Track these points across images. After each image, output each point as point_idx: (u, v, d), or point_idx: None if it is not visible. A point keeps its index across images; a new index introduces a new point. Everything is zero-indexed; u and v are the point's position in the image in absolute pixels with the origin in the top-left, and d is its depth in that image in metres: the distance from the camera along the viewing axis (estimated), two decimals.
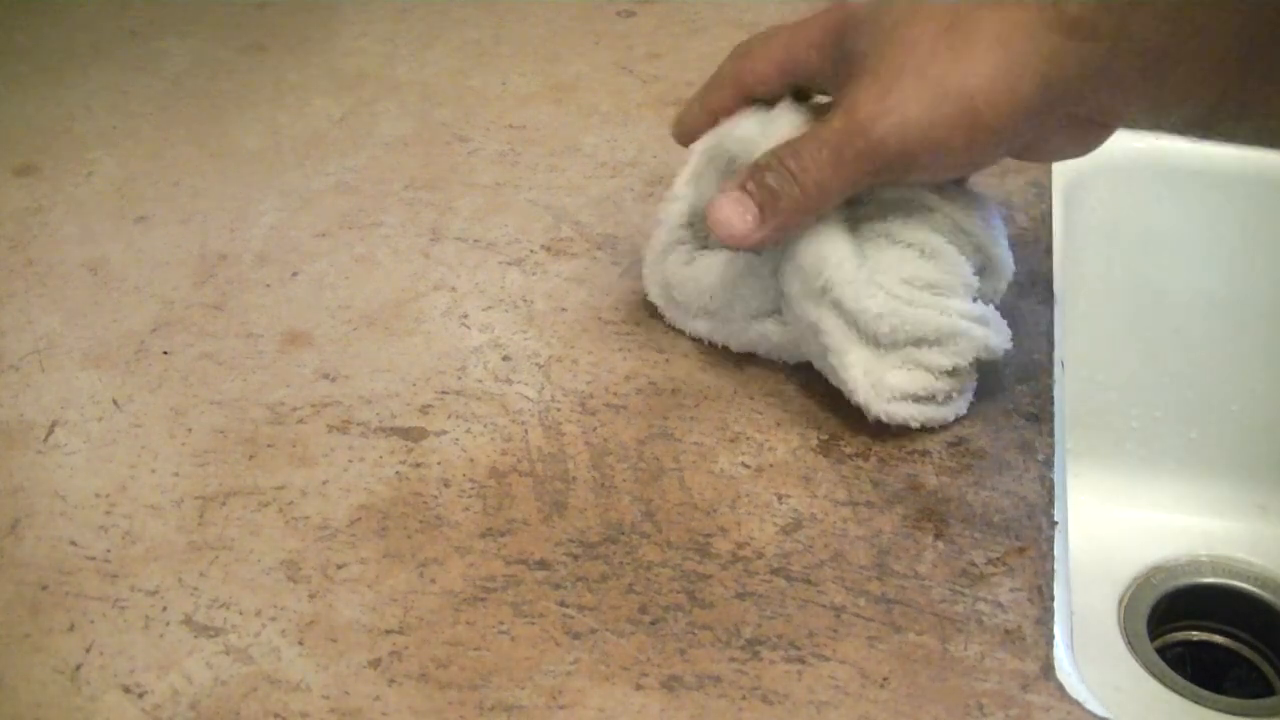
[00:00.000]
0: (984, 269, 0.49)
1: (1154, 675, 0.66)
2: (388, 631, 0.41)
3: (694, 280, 0.51)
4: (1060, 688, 0.39)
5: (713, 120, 0.50)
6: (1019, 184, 0.61)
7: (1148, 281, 0.72)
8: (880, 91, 0.43)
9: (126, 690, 0.39)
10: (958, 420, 0.48)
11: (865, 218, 0.47)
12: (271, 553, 0.44)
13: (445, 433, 0.48)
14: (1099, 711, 0.38)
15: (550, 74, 0.72)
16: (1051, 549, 0.43)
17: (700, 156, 0.50)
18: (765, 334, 0.50)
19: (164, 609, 0.42)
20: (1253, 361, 0.72)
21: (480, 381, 0.50)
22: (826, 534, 0.44)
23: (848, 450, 0.47)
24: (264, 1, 0.80)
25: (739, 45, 0.49)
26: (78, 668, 0.40)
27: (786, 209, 0.45)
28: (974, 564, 0.43)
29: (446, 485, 0.46)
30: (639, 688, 0.39)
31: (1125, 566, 0.72)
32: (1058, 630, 0.41)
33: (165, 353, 0.52)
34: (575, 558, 0.43)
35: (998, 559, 0.43)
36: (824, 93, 0.49)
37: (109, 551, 0.44)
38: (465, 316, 0.54)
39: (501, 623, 0.41)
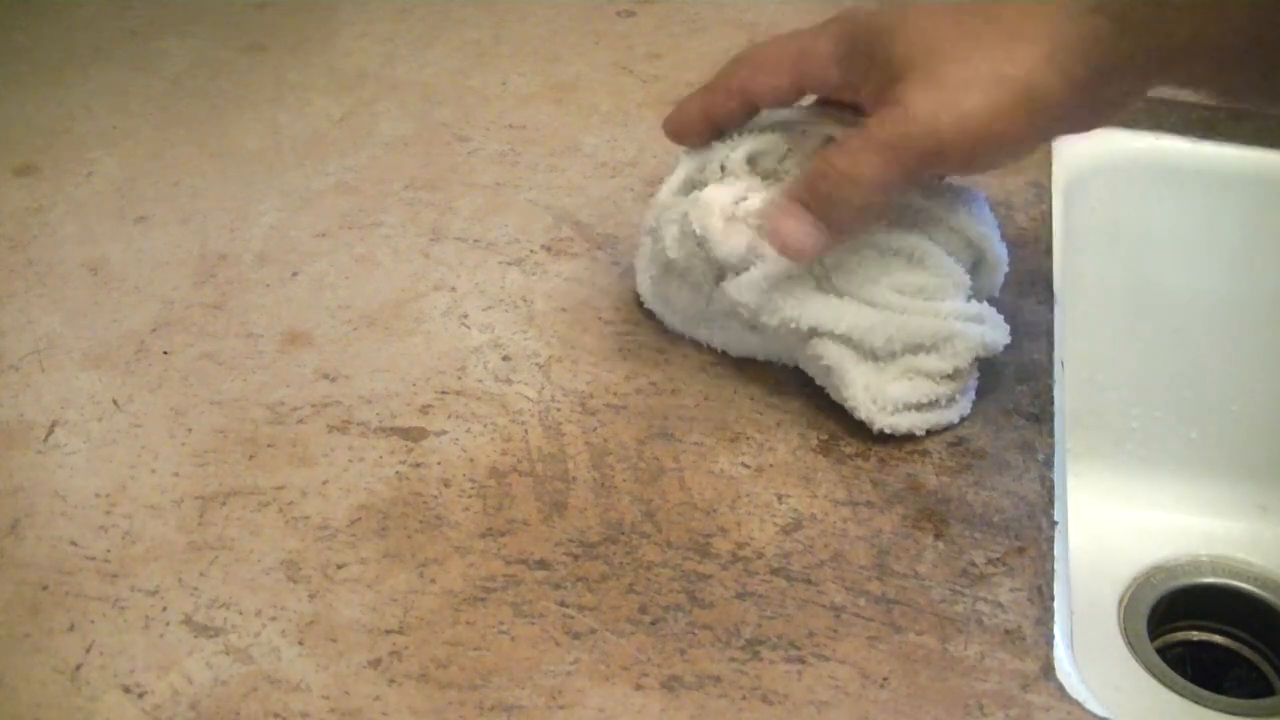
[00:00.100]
0: (977, 263, 0.49)
1: (1154, 675, 0.66)
2: (388, 631, 0.41)
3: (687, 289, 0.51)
4: (1060, 688, 0.39)
5: (707, 124, 0.49)
6: (1019, 184, 0.61)
7: (1148, 281, 0.72)
8: (935, 88, 0.42)
9: (126, 690, 0.39)
10: (958, 419, 0.48)
11: None
12: (271, 553, 0.44)
13: (445, 433, 0.48)
14: (1099, 711, 0.38)
15: (550, 74, 0.72)
16: (1051, 549, 0.43)
17: (689, 165, 0.50)
18: (764, 341, 0.50)
19: (164, 609, 0.42)
20: (1253, 361, 0.72)
21: (480, 381, 0.50)
22: (826, 534, 0.44)
23: (848, 450, 0.47)
24: (264, 1, 0.80)
25: (743, 55, 0.49)
26: (78, 668, 0.40)
27: (846, 216, 0.45)
28: (974, 564, 0.43)
29: (446, 485, 0.46)
30: (639, 688, 0.39)
31: (1125, 566, 0.72)
32: (1058, 630, 0.41)
33: (165, 353, 0.52)
34: (575, 558, 0.43)
35: (998, 559, 0.43)
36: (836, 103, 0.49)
37: (109, 551, 0.44)
38: (465, 316, 0.54)
39: (501, 623, 0.41)
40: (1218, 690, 0.66)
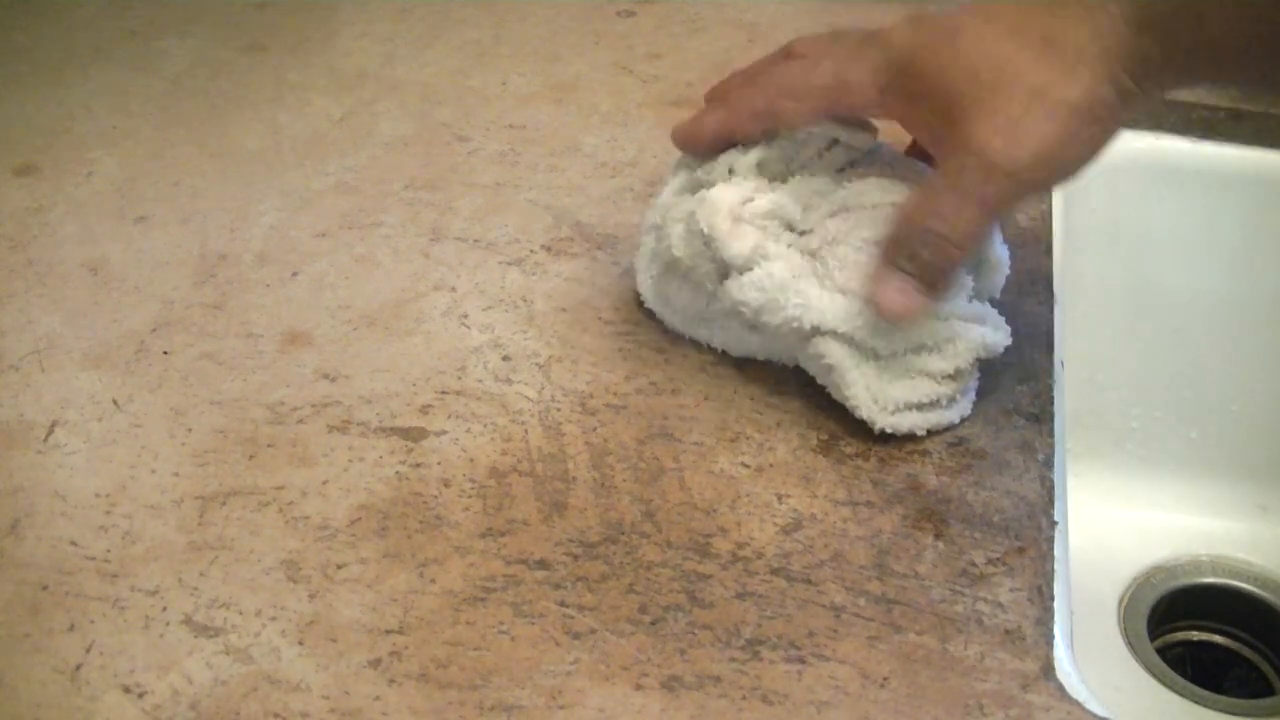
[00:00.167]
0: (978, 264, 0.49)
1: (1154, 675, 0.66)
2: (388, 631, 0.41)
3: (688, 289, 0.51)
4: (1060, 688, 0.39)
5: (723, 142, 0.49)
6: None
7: (1148, 281, 0.72)
8: (1006, 125, 0.42)
9: (126, 690, 0.39)
10: (958, 419, 0.48)
11: (852, 229, 0.47)
12: (271, 553, 0.44)
13: (445, 433, 0.48)
14: (1099, 711, 0.38)
15: (550, 74, 0.72)
16: (1051, 549, 0.43)
17: (694, 166, 0.50)
18: (764, 341, 0.50)
19: (164, 609, 0.42)
20: (1253, 361, 0.72)
21: (480, 381, 0.50)
22: (826, 534, 0.44)
23: (848, 450, 0.47)
24: (264, 1, 0.80)
25: (766, 76, 0.48)
26: (78, 668, 0.40)
27: (946, 272, 0.45)
28: (974, 564, 0.43)
29: (446, 485, 0.46)
30: (639, 688, 0.39)
31: (1125, 566, 0.72)
32: (1058, 630, 0.41)
33: (165, 353, 0.52)
34: (575, 558, 0.43)
35: (998, 559, 0.43)
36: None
37: (109, 551, 0.44)
38: (465, 316, 0.54)
39: (501, 623, 0.41)
40: (1218, 690, 0.66)
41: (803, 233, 0.48)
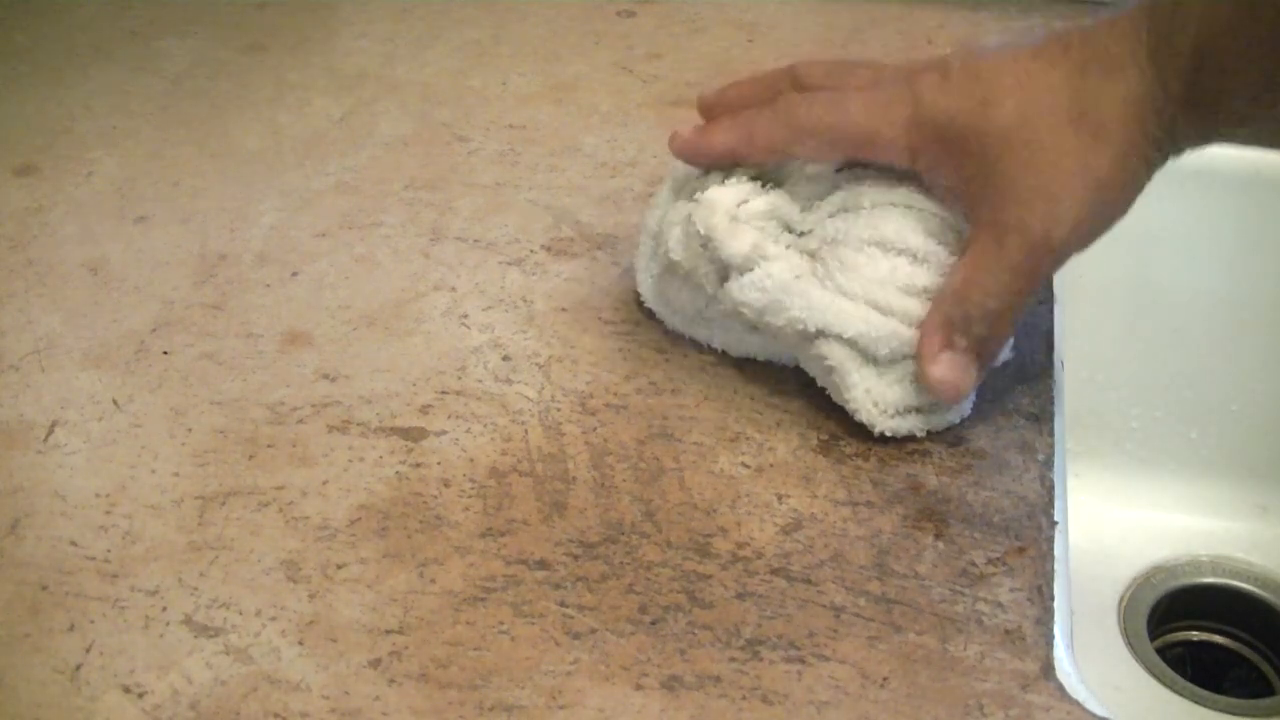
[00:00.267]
0: None
1: (1154, 675, 0.66)
2: (388, 631, 0.41)
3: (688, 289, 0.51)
4: (1060, 688, 0.39)
5: (728, 164, 0.49)
6: None
7: (1148, 281, 0.72)
8: (1044, 201, 0.43)
9: (126, 690, 0.39)
10: (958, 420, 0.48)
11: (852, 228, 0.47)
12: (271, 553, 0.44)
13: (445, 433, 0.48)
14: (1099, 711, 0.38)
15: (550, 74, 0.72)
16: (1051, 549, 0.43)
17: (683, 175, 0.50)
18: (764, 342, 0.50)
19: (164, 609, 0.42)
20: (1253, 361, 0.72)
21: (480, 381, 0.50)
22: (826, 534, 0.44)
23: (848, 450, 0.47)
24: (264, 1, 0.80)
25: (783, 114, 0.48)
26: (78, 668, 0.40)
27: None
28: (974, 564, 0.43)
29: (446, 485, 0.46)
30: (639, 688, 0.39)
31: (1125, 566, 0.72)
32: (1058, 630, 0.41)
33: (165, 353, 0.52)
34: (575, 558, 0.43)
35: (998, 559, 0.43)
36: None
37: (109, 551, 0.44)
38: (465, 316, 0.54)
39: (501, 623, 0.41)
40: (1218, 690, 0.66)
41: (802, 233, 0.48)
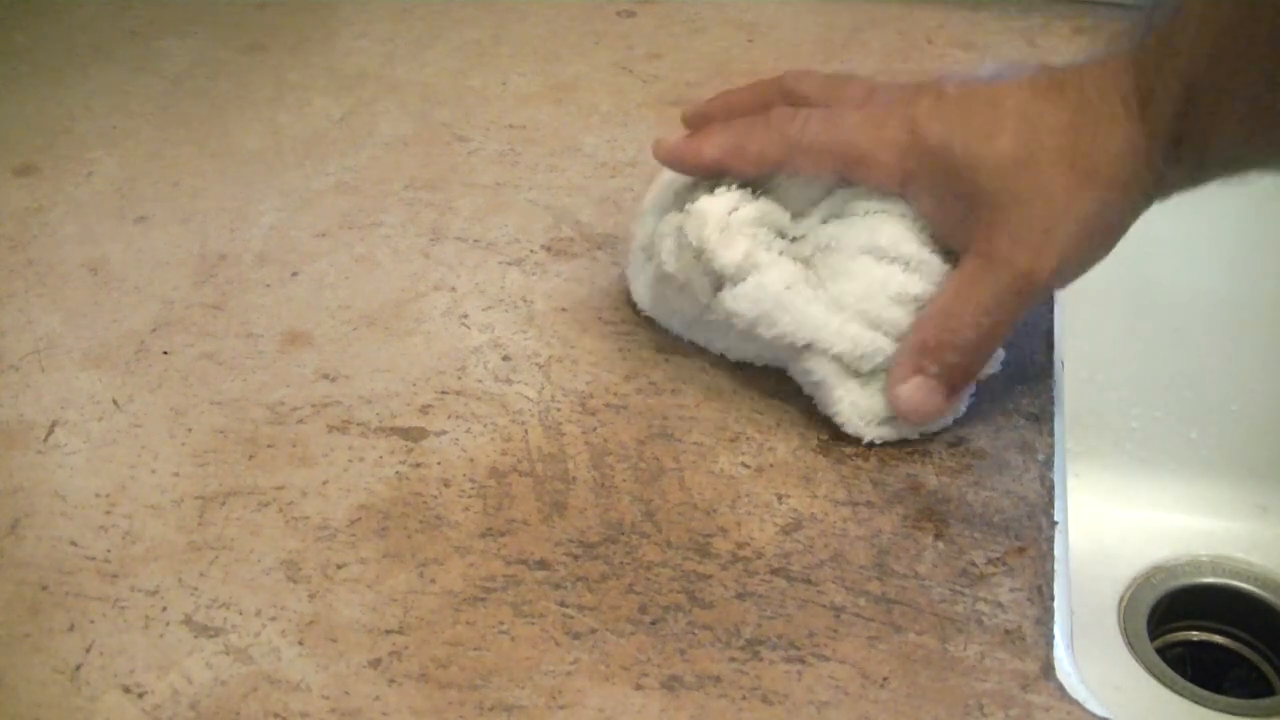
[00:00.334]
0: None
1: (1154, 675, 0.66)
2: (388, 631, 0.41)
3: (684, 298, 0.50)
4: (1060, 688, 0.39)
5: (715, 176, 0.49)
6: None
7: (1148, 281, 0.72)
8: (1034, 238, 0.44)
9: (126, 690, 0.39)
10: (957, 420, 0.48)
11: (845, 235, 0.47)
12: (271, 553, 0.44)
13: (445, 433, 0.48)
14: (1099, 711, 0.38)
15: (550, 74, 0.72)
16: (1051, 549, 0.43)
17: (675, 181, 0.50)
18: (760, 348, 0.50)
19: (164, 609, 0.42)
20: (1253, 361, 0.72)
21: (480, 381, 0.50)
22: (826, 534, 0.44)
23: (848, 450, 0.47)
24: (264, 1, 0.80)
25: (784, 125, 0.47)
26: (78, 668, 0.40)
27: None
28: (974, 564, 0.43)
29: (446, 485, 0.46)
30: (639, 688, 0.39)
31: (1125, 566, 0.72)
32: (1058, 630, 0.41)
33: (165, 353, 0.52)
34: (575, 558, 0.43)
35: (998, 559, 0.43)
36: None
37: (109, 551, 0.44)
38: (465, 316, 0.54)
39: (501, 623, 0.41)
40: (1218, 690, 0.66)
41: (794, 239, 0.48)
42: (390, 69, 0.73)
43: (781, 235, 0.48)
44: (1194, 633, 0.71)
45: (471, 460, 0.47)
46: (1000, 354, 0.48)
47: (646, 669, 0.40)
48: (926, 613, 0.41)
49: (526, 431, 0.48)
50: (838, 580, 0.42)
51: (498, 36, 0.76)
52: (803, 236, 0.48)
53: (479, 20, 0.78)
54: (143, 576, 0.43)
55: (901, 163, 0.46)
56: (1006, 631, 0.41)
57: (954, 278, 0.46)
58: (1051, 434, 0.48)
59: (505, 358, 0.52)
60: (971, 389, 0.48)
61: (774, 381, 0.50)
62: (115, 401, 0.50)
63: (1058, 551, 0.43)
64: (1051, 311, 0.53)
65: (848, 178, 0.47)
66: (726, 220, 0.47)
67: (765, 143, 0.48)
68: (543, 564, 0.43)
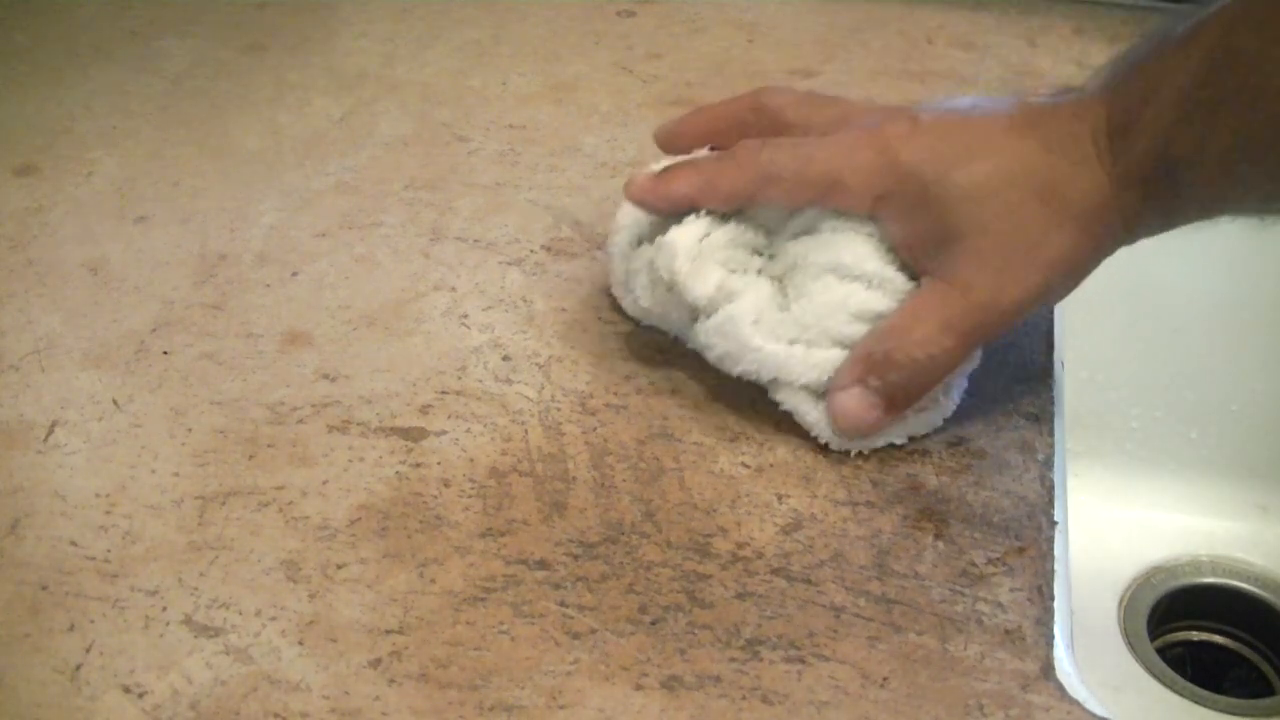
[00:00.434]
0: None
1: (1154, 675, 0.66)
2: (388, 631, 0.41)
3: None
4: (1060, 688, 0.39)
5: (682, 208, 0.48)
6: None
7: (1147, 281, 0.72)
8: (995, 269, 0.44)
9: (126, 690, 0.39)
10: (958, 420, 0.48)
11: (811, 253, 0.47)
12: (271, 553, 0.44)
13: (445, 433, 0.48)
14: (1099, 711, 0.38)
15: (550, 74, 0.72)
16: (1051, 549, 0.43)
17: (633, 223, 0.50)
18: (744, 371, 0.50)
19: (164, 609, 0.42)
20: (1253, 361, 0.72)
21: (480, 381, 0.50)
22: (826, 534, 0.44)
23: (848, 450, 0.47)
24: (264, 1, 0.80)
25: (751, 157, 0.47)
26: (78, 668, 0.40)
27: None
28: (974, 564, 0.43)
29: (446, 485, 0.46)
30: (639, 688, 0.39)
31: (1125, 566, 0.72)
32: (1058, 630, 0.41)
33: (165, 353, 0.52)
34: (575, 558, 0.43)
35: (998, 559, 0.43)
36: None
37: (109, 551, 0.44)
38: (465, 316, 0.54)
39: (501, 623, 0.41)
40: (1218, 690, 0.66)
41: (771, 256, 0.48)
42: (390, 69, 0.73)
43: (758, 253, 0.48)
44: (1194, 633, 0.71)
45: (471, 460, 0.47)
46: (977, 353, 0.48)
47: (646, 669, 0.40)
48: (926, 613, 0.41)
49: (526, 431, 0.48)
50: (838, 580, 0.42)
51: (498, 36, 0.76)
52: (776, 255, 0.48)
53: (479, 20, 0.78)
54: (143, 576, 0.43)
55: (872, 186, 0.45)
56: (1006, 631, 0.41)
57: (912, 298, 0.46)
58: (1051, 434, 0.48)
59: (505, 358, 0.52)
60: (960, 386, 0.48)
61: None
62: (115, 401, 0.50)
63: (1058, 551, 0.44)
64: (1051, 311, 0.53)
65: (820, 205, 0.47)
66: (698, 249, 0.47)
67: (735, 178, 0.47)
68: (543, 564, 0.43)
